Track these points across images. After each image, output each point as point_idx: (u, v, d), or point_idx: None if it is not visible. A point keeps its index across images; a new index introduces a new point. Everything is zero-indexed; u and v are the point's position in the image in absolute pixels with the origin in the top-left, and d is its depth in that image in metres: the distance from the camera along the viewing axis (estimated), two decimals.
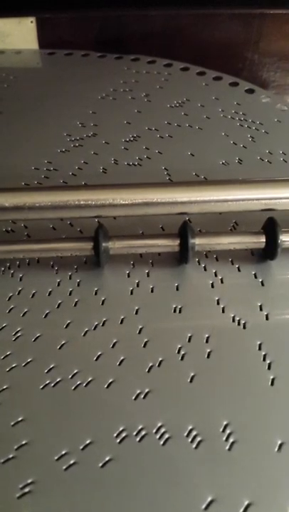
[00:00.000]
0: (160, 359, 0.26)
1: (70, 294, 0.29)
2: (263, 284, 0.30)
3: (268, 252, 0.30)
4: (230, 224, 0.33)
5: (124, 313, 0.28)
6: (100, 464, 0.22)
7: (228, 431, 0.23)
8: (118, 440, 0.22)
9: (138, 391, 0.24)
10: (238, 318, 0.28)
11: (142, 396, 0.24)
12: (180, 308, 0.28)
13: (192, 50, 0.56)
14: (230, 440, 0.22)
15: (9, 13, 0.53)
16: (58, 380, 0.25)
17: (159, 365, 0.26)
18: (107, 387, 0.25)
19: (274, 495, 0.21)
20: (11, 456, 0.22)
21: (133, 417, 0.23)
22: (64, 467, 0.22)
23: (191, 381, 0.25)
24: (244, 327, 0.28)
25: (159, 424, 0.23)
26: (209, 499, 0.21)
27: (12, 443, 0.22)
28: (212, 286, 0.30)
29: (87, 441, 0.22)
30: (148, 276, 0.30)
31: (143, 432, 0.23)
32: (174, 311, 0.28)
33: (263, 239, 0.30)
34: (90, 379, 0.25)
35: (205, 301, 0.29)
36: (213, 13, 0.55)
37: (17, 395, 0.24)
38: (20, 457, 0.22)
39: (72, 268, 0.31)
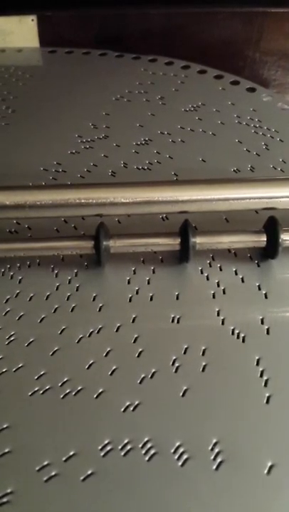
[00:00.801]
0: (153, 370, 0.25)
1: (67, 298, 0.29)
2: (266, 296, 0.29)
3: (269, 251, 0.30)
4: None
5: (121, 321, 0.28)
6: (82, 478, 0.21)
7: (216, 449, 0.22)
8: (102, 453, 0.22)
9: (128, 403, 0.24)
10: (237, 331, 0.27)
11: (132, 408, 0.24)
12: (178, 318, 0.28)
13: (193, 48, 0.56)
14: (219, 459, 0.22)
15: (10, 11, 0.53)
16: (48, 387, 0.24)
17: (151, 377, 0.25)
18: (97, 397, 0.24)
19: None
20: None
21: (120, 429, 0.23)
22: (45, 478, 0.21)
23: (183, 395, 0.24)
24: (243, 340, 0.27)
25: (146, 439, 0.22)
26: None
27: None
28: (213, 296, 0.29)
29: (71, 453, 0.22)
30: (148, 283, 0.30)
31: (129, 446, 0.22)
32: (172, 320, 0.28)
33: (263, 238, 0.30)
34: (79, 388, 0.24)
35: (205, 311, 0.28)
36: (213, 11, 0.55)
37: (5, 401, 0.24)
38: (2, 465, 0.21)
39: (72, 272, 0.30)
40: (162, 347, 0.26)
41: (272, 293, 0.29)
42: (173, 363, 0.26)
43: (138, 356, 0.26)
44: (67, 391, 0.24)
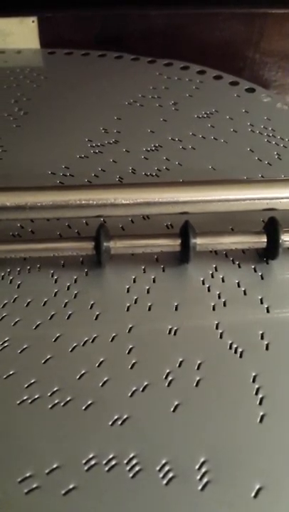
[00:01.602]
0: (145, 383, 0.25)
1: (65, 305, 0.28)
2: (268, 310, 0.28)
3: (269, 252, 0.30)
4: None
5: (117, 331, 0.27)
6: (63, 492, 0.21)
7: (204, 469, 0.21)
8: (86, 467, 0.21)
9: (116, 416, 0.23)
10: (235, 346, 0.26)
11: (120, 422, 0.23)
12: (175, 330, 0.27)
13: (193, 49, 0.56)
14: (205, 479, 0.21)
15: (11, 12, 0.53)
16: (37, 396, 0.24)
17: (143, 390, 0.24)
18: (85, 409, 0.24)
19: None
20: None
21: (106, 443, 0.22)
22: (25, 491, 0.21)
23: (174, 410, 0.24)
24: (241, 355, 0.26)
25: (132, 455, 0.22)
26: None
27: None
28: (213, 309, 0.28)
29: (54, 466, 0.21)
30: (148, 292, 0.29)
31: (113, 462, 0.22)
32: (169, 332, 0.27)
33: (264, 239, 0.29)
34: (68, 398, 0.24)
35: (203, 324, 0.28)
36: (214, 12, 0.55)
37: None
38: None
39: (71, 278, 0.30)
40: (157, 359, 0.26)
41: (275, 307, 0.28)
42: (166, 377, 0.25)
43: (131, 368, 0.25)
44: (56, 401, 0.24)
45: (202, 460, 0.22)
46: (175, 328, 0.27)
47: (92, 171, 0.38)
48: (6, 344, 0.26)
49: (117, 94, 0.47)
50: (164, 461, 0.22)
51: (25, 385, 0.24)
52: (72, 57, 0.55)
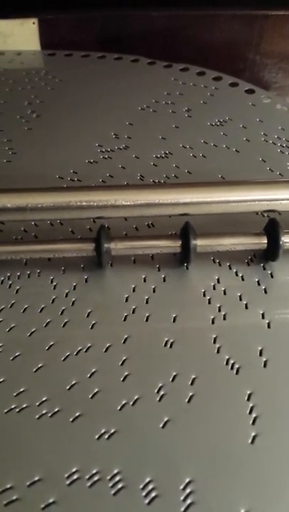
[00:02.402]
0: (136, 397, 0.24)
1: (61, 313, 0.28)
2: (269, 326, 0.28)
3: (270, 253, 0.30)
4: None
5: (112, 341, 0.27)
6: (42, 506, 0.20)
7: (188, 489, 0.21)
8: (68, 482, 0.21)
9: (103, 430, 0.23)
10: (232, 361, 0.26)
11: (106, 436, 0.23)
12: (172, 343, 0.27)
13: (193, 50, 0.56)
14: (189, 501, 0.20)
15: (11, 14, 0.53)
16: (25, 405, 0.24)
17: (133, 404, 0.24)
18: (73, 421, 0.23)
19: None
20: None
21: (90, 458, 0.22)
22: (5, 502, 0.20)
23: (163, 427, 0.23)
24: (237, 372, 0.25)
25: (116, 471, 0.21)
26: None
27: None
28: (212, 322, 0.28)
29: (36, 478, 0.21)
30: (146, 303, 0.29)
31: (96, 477, 0.21)
32: (165, 344, 0.27)
33: (264, 240, 0.29)
34: (56, 409, 0.24)
35: (201, 337, 0.27)
36: (214, 13, 0.55)
37: None
38: None
39: (70, 285, 0.30)
40: (150, 372, 0.25)
41: (276, 324, 0.27)
42: (158, 391, 0.24)
43: (123, 380, 0.25)
44: (44, 411, 0.23)
45: (187, 480, 0.21)
46: (172, 340, 0.27)
47: (99, 176, 0.38)
48: None
49: (130, 99, 0.47)
50: (148, 479, 0.21)
51: (14, 394, 0.24)
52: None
